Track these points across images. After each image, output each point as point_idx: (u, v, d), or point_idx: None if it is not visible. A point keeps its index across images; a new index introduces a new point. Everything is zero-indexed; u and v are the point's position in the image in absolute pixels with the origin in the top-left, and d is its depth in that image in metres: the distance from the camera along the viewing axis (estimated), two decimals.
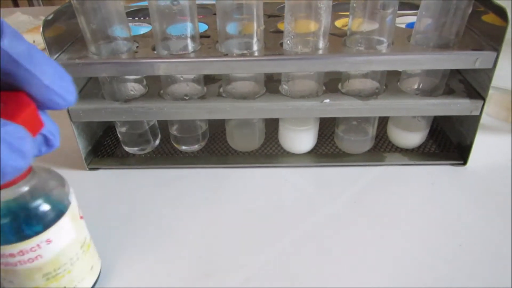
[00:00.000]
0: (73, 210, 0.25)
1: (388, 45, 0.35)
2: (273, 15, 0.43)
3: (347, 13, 0.42)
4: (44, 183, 0.24)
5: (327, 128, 0.44)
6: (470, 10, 0.34)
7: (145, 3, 0.47)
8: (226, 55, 0.34)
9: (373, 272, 0.29)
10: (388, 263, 0.30)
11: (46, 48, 0.34)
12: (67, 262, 0.25)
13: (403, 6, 0.44)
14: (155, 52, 0.35)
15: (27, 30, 0.65)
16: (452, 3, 0.33)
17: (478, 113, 0.37)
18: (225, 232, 0.33)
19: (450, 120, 0.43)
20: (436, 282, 0.28)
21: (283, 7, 0.44)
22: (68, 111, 0.36)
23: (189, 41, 0.35)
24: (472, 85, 0.38)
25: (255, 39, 0.35)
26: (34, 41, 0.64)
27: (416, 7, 0.44)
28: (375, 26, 0.35)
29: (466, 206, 0.35)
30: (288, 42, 0.35)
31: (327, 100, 0.36)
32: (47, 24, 0.33)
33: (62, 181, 0.25)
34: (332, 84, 0.39)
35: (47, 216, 0.23)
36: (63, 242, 0.24)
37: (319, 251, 0.31)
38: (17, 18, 0.75)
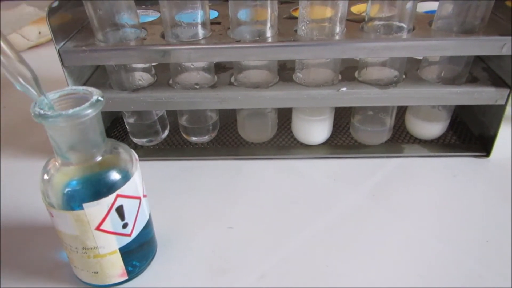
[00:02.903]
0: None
1: (409, 31, 0.33)
2: (286, 1, 0.41)
3: None
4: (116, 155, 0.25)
5: (342, 118, 0.43)
6: None
7: None
8: (238, 41, 0.33)
9: (392, 267, 0.28)
10: (408, 258, 0.28)
11: (52, 35, 0.32)
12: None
13: None
14: (164, 39, 0.34)
15: (32, 22, 0.63)
16: None
17: (503, 102, 0.35)
18: (237, 226, 0.32)
19: (471, 110, 0.41)
20: (462, 279, 0.27)
21: None
22: None
23: (199, 27, 0.33)
24: (497, 73, 0.36)
25: (268, 25, 0.33)
26: (40, 32, 0.63)
27: None
28: (394, 11, 0.33)
29: (490, 200, 0.33)
30: (303, 28, 0.33)
31: (344, 89, 0.34)
32: (52, 12, 0.32)
33: (131, 157, 0.26)
34: (349, 72, 0.37)
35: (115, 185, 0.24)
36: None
37: (336, 246, 0.30)
38: (23, 10, 0.74)
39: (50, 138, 0.23)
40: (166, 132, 0.41)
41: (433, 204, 0.33)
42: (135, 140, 0.40)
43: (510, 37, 0.32)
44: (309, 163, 0.38)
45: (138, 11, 0.41)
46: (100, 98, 0.23)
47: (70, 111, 0.22)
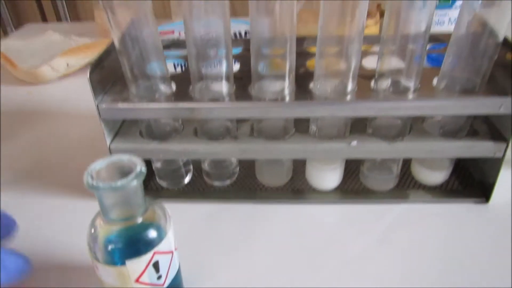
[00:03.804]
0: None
1: (415, 90, 0.36)
2: (300, 52, 0.44)
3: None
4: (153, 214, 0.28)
5: (352, 163, 0.45)
6: (496, 56, 0.35)
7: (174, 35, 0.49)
8: (259, 100, 0.36)
9: None
10: None
11: (92, 91, 0.36)
12: None
13: None
14: (191, 94, 0.37)
15: (61, 53, 0.68)
16: (481, 47, 0.34)
17: (501, 155, 0.37)
18: (256, 270, 0.35)
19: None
20: None
21: (309, 40, 0.45)
22: (109, 150, 0.39)
23: (224, 82, 0.36)
24: (496, 126, 0.39)
25: (287, 83, 0.36)
26: (68, 64, 0.67)
27: (434, 39, 0.44)
28: (402, 65, 0.35)
29: (489, 246, 0.36)
30: (318, 86, 0.37)
31: (355, 142, 0.37)
32: (93, 69, 0.35)
33: (165, 214, 0.29)
34: (358, 124, 0.40)
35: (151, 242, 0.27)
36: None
37: None
38: (50, 37, 0.78)
39: (98, 201, 0.27)
40: (190, 176, 0.44)
41: (435, 250, 0.36)
42: (160, 182, 0.43)
43: (508, 98, 0.34)
44: (321, 208, 0.41)
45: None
46: (143, 169, 0.26)
47: (119, 183, 0.25)
